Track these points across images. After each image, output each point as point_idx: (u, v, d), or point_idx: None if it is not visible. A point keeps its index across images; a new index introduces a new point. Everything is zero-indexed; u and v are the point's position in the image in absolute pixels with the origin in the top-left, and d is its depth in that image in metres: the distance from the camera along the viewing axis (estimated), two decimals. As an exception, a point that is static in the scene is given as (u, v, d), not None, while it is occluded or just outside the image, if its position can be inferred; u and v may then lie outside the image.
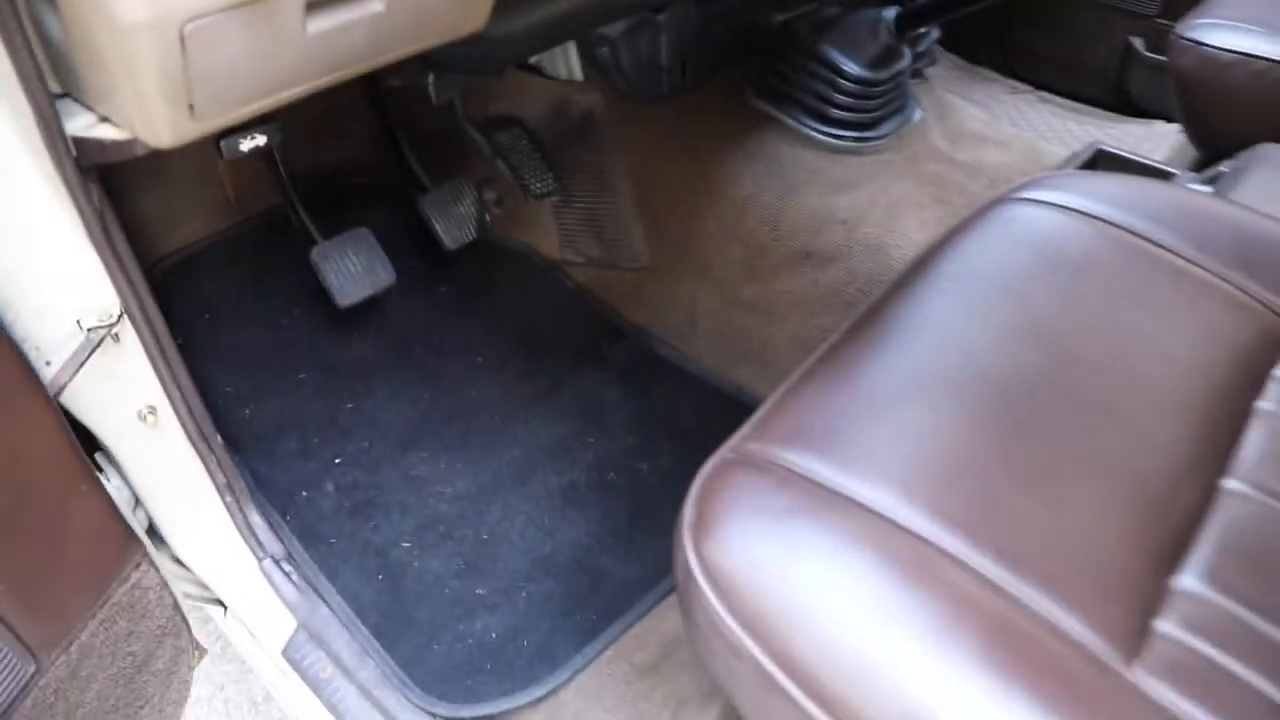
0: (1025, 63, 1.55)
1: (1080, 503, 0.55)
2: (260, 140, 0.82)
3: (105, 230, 0.64)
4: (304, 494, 1.02)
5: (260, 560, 0.90)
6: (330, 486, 1.03)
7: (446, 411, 1.11)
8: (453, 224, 1.20)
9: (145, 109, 0.57)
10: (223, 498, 0.85)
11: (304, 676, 0.89)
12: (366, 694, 0.85)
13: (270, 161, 1.12)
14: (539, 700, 0.82)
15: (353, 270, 1.08)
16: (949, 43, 1.47)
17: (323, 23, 0.60)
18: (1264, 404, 0.62)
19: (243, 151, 0.83)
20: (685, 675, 0.83)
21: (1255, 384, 0.64)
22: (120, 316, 0.70)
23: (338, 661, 0.87)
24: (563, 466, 1.06)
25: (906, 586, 0.50)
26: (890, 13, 1.21)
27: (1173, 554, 0.53)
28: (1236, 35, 1.07)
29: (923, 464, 0.56)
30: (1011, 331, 0.66)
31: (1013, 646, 0.48)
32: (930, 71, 1.42)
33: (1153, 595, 0.51)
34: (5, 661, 0.62)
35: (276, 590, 0.90)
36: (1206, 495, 0.56)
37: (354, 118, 1.28)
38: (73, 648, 0.68)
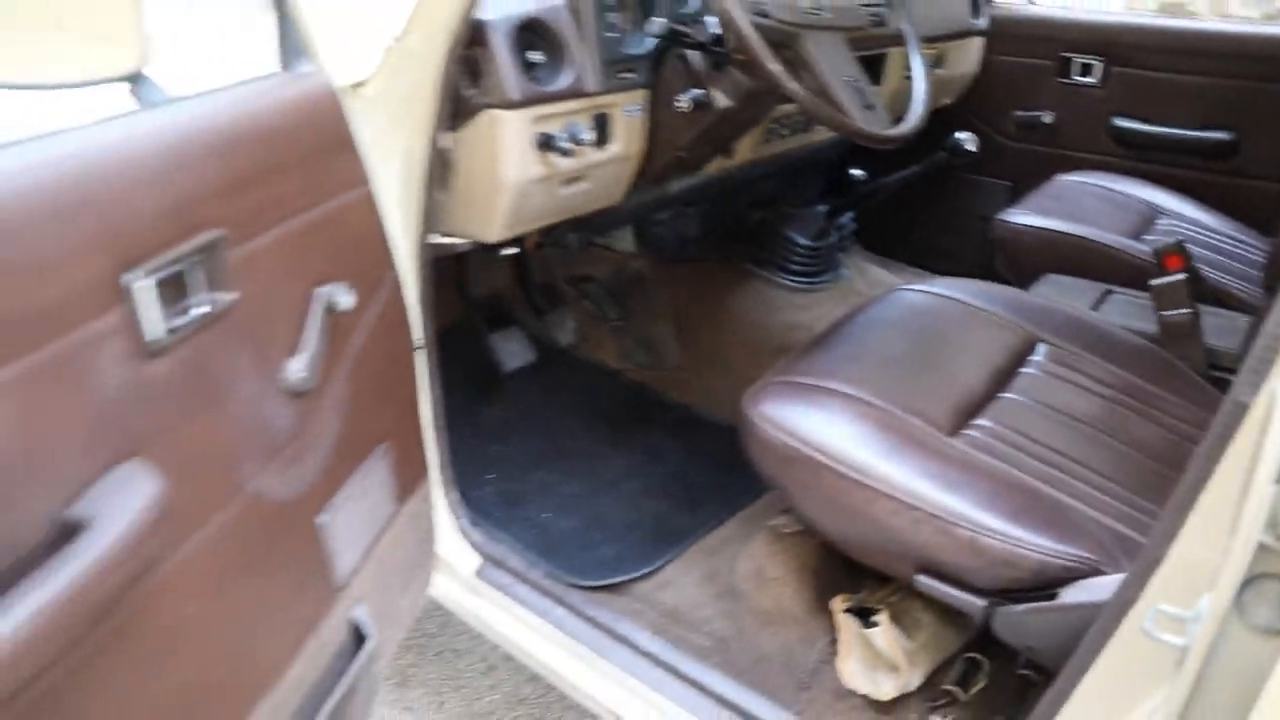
0: (914, 251, 2.33)
1: (934, 397, 1.19)
2: (512, 250, 1.48)
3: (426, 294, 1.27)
4: (473, 493, 1.58)
5: (458, 520, 1.46)
6: (489, 490, 1.61)
7: (559, 448, 1.71)
8: (558, 335, 1.88)
9: (486, 224, 1.24)
10: (442, 480, 1.41)
11: (493, 585, 1.42)
12: (535, 585, 1.37)
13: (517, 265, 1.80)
14: (647, 574, 1.39)
15: (512, 349, 1.73)
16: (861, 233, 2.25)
17: (566, 190, 1.29)
18: (1023, 368, 1.28)
19: (500, 255, 1.50)
20: (720, 558, 1.41)
21: (1020, 355, 1.30)
22: (420, 346, 1.31)
23: (514, 572, 1.40)
24: (637, 478, 1.65)
25: (861, 422, 1.12)
26: (822, 208, 1.98)
27: (974, 414, 1.17)
28: (1030, 217, 1.84)
29: (868, 377, 1.20)
30: (901, 334, 1.32)
31: (898, 436, 1.10)
32: (853, 253, 2.19)
33: (964, 422, 1.14)
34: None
35: (467, 536, 1.45)
36: (990, 398, 1.21)
37: (501, 265, 1.97)
38: None
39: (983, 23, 2.22)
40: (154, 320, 0.72)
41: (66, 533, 0.64)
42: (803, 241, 1.95)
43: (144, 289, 0.70)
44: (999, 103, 2.28)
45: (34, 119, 0.92)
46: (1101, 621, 0.74)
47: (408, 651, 1.82)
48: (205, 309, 0.77)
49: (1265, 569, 0.58)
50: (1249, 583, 0.60)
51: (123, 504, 0.67)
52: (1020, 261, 1.80)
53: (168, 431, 0.74)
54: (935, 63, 2.07)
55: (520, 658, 1.39)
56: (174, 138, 0.77)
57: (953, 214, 2.23)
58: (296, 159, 0.90)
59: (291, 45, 0.95)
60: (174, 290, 0.74)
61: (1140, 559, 0.70)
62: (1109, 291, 1.64)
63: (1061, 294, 1.61)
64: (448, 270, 1.43)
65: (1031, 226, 1.79)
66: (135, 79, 0.87)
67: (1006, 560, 0.94)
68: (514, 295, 1.95)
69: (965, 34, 2.17)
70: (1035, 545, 0.94)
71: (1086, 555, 0.92)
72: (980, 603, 0.98)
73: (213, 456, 0.80)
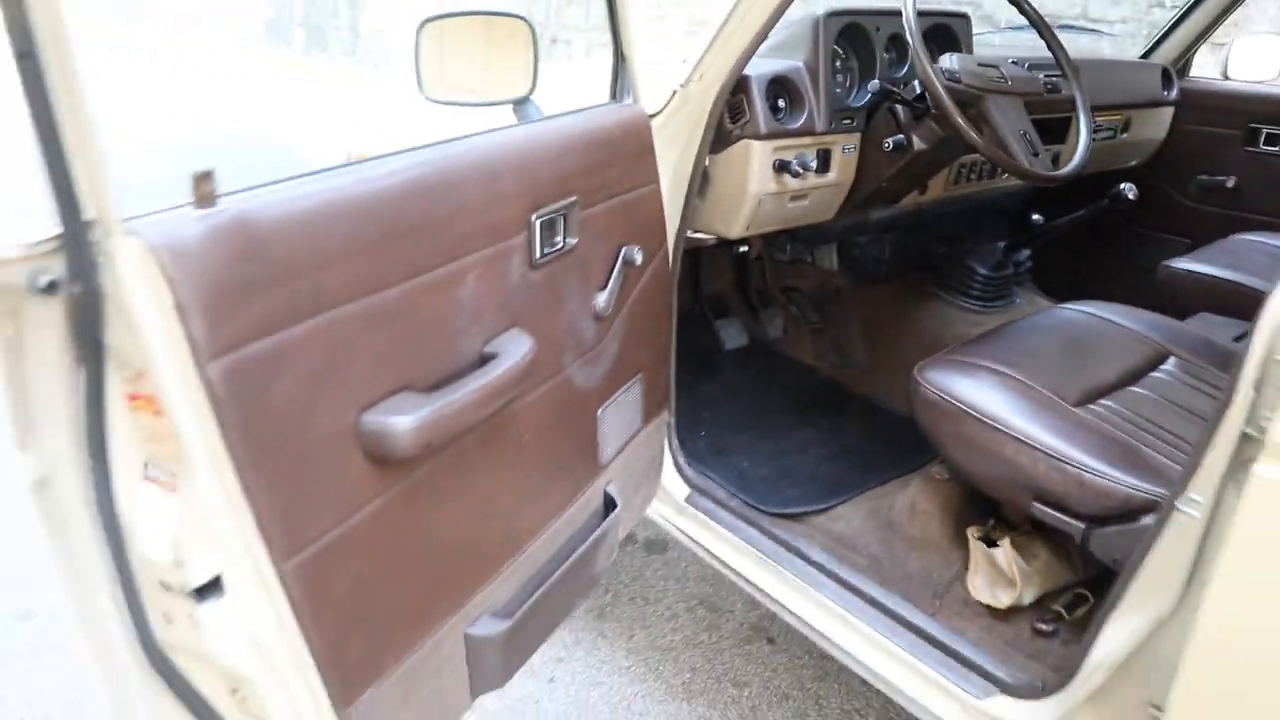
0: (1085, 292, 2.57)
1: (1068, 380, 1.50)
2: (746, 247, 1.91)
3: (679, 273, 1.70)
4: (688, 442, 1.97)
5: (675, 458, 1.87)
6: (701, 442, 2.01)
7: (759, 419, 2.11)
8: (769, 330, 2.29)
9: (731, 224, 1.67)
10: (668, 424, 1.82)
11: (698, 509, 1.81)
12: (734, 510, 1.75)
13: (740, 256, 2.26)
14: (821, 510, 1.76)
15: (731, 333, 2.17)
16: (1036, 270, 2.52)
17: (792, 204, 1.70)
18: (1153, 373, 1.57)
19: (739, 251, 1.94)
20: (882, 502, 1.75)
21: (1152, 363, 1.59)
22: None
23: (716, 500, 1.79)
24: (821, 447, 2.02)
25: (1004, 390, 1.45)
26: (1001, 244, 2.29)
27: (1100, 396, 1.47)
28: (1194, 264, 2.07)
29: (1016, 361, 1.52)
30: (1052, 336, 1.63)
31: (1032, 401, 1.42)
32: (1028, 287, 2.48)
33: (1091, 399, 1.44)
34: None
35: (681, 471, 1.84)
36: (1117, 388, 1.50)
37: (726, 269, 2.41)
38: None
39: (1173, 94, 2.46)
40: (538, 245, 1.18)
41: (486, 358, 1.10)
42: (982, 271, 2.27)
43: (538, 225, 1.17)
44: (1184, 166, 2.51)
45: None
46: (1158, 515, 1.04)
47: (606, 593, 2.24)
48: (562, 245, 1.23)
49: (1248, 454, 0.90)
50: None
51: (514, 350, 1.12)
52: (1179, 301, 2.03)
53: (535, 317, 1.20)
54: (1123, 127, 2.35)
55: (715, 565, 1.77)
56: (558, 136, 1.24)
57: (1127, 263, 2.47)
58: (621, 159, 1.36)
59: (623, 84, 1.42)
60: (549, 231, 1.20)
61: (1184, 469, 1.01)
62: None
63: (1208, 328, 1.85)
64: (686, 268, 1.83)
65: (1193, 271, 2.03)
66: (524, 101, 1.37)
67: (1101, 492, 1.25)
68: (734, 295, 2.38)
69: (1155, 104, 2.43)
70: (1125, 482, 1.24)
71: (1163, 491, 1.21)
72: (1080, 525, 1.28)
73: (554, 341, 1.26)
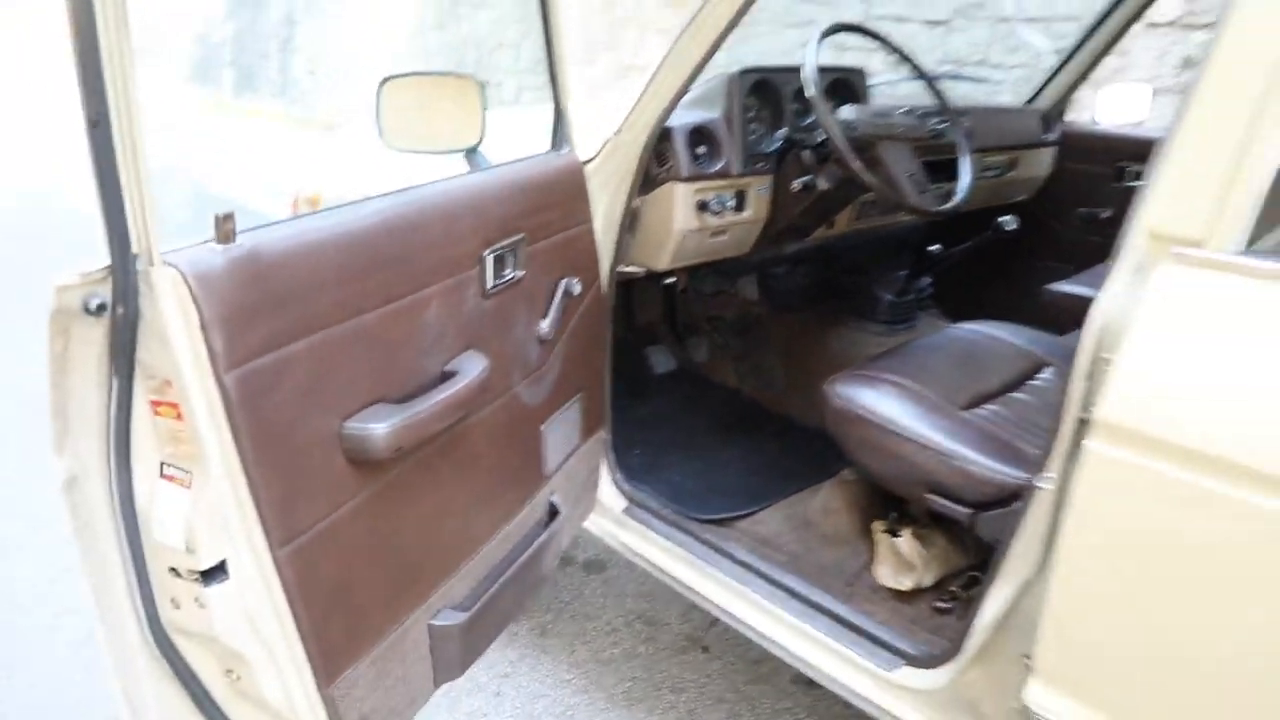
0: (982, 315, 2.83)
1: (957, 389, 1.71)
2: (673, 279, 2.09)
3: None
4: (623, 459, 2.12)
5: (613, 474, 2.02)
6: (635, 459, 2.17)
7: (688, 438, 2.28)
8: (694, 356, 2.47)
9: (658, 258, 1.85)
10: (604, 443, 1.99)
11: (635, 519, 1.96)
12: (667, 519, 1.91)
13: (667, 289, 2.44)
14: (746, 515, 1.93)
15: (659, 359, 2.34)
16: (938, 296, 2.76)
17: (712, 240, 1.89)
18: (1031, 381, 1.79)
19: (667, 283, 2.12)
20: (799, 505, 1.93)
21: (1030, 373, 1.81)
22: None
23: (651, 510, 1.95)
24: (745, 461, 2.20)
25: (901, 398, 1.65)
26: (904, 273, 2.52)
27: (984, 402, 1.68)
28: (1072, 287, 2.32)
29: (913, 374, 1.73)
30: (945, 352, 1.84)
31: (925, 407, 1.62)
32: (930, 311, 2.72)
33: (976, 404, 1.65)
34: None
35: (618, 486, 1.99)
36: (999, 395, 1.72)
37: (656, 300, 2.59)
38: None
39: (1053, 136, 2.74)
40: (490, 277, 1.34)
41: (447, 375, 1.25)
42: (887, 298, 2.49)
43: (490, 259, 1.33)
44: (1066, 200, 2.78)
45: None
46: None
47: (547, 611, 2.38)
48: (511, 277, 1.40)
49: (1084, 435, 1.09)
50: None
51: (471, 368, 1.28)
52: (1059, 319, 2.27)
53: (488, 340, 1.36)
54: (1009, 166, 2.61)
55: (652, 572, 1.93)
56: (507, 182, 1.41)
57: (1017, 287, 2.73)
58: (560, 201, 1.53)
59: (561, 134, 1.60)
60: (500, 264, 1.37)
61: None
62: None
63: (1082, 343, 2.09)
64: (619, 299, 1.99)
65: (1070, 293, 2.28)
66: (474, 149, 1.53)
67: (984, 481, 1.45)
68: (662, 324, 2.57)
69: (1037, 145, 2.70)
70: (1004, 472, 1.44)
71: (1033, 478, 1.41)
72: (968, 511, 1.48)
73: (504, 361, 1.41)
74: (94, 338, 0.84)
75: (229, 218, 0.88)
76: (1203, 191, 0.97)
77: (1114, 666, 1.08)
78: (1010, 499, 1.43)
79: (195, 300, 0.85)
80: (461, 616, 1.33)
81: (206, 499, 0.91)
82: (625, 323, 2.49)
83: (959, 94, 2.81)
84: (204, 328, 0.85)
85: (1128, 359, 1.00)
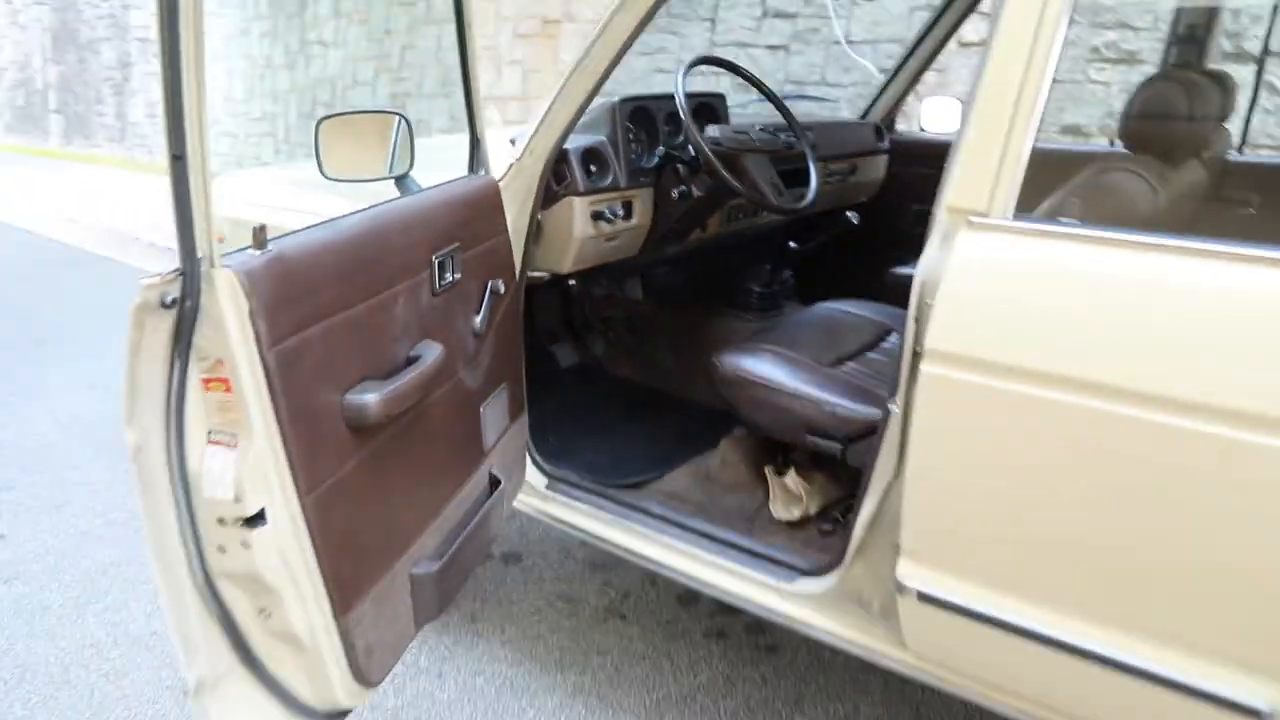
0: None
1: (824, 351, 2.07)
2: (573, 283, 2.38)
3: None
4: (540, 444, 2.40)
5: (533, 456, 2.28)
6: (550, 441, 2.43)
7: (594, 421, 2.57)
8: (594, 351, 2.76)
9: (561, 262, 2.13)
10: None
11: (557, 493, 2.22)
12: (586, 489, 2.17)
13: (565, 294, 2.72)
14: (655, 478, 2.23)
15: (564, 354, 2.62)
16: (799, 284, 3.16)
17: (606, 244, 2.19)
18: (882, 344, 2.17)
19: (570, 285, 2.42)
20: (700, 464, 2.25)
21: (879, 337, 2.18)
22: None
23: (570, 483, 2.21)
24: (647, 436, 2.50)
25: (777, 361, 1.99)
26: (769, 267, 2.90)
27: (845, 361, 2.04)
28: (907, 270, 2.75)
29: (786, 342, 2.07)
30: (813, 325, 2.21)
31: (798, 366, 1.97)
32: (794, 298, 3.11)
33: (839, 363, 2.01)
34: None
35: (539, 465, 2.24)
36: (857, 355, 2.09)
37: (558, 303, 2.86)
38: None
39: (885, 144, 3.19)
40: (438, 278, 1.60)
41: (412, 359, 1.50)
42: (756, 289, 2.86)
43: (437, 263, 1.59)
44: (902, 199, 3.22)
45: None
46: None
47: (474, 600, 2.61)
48: (452, 279, 1.66)
49: (918, 365, 1.44)
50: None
51: (430, 354, 1.54)
52: (902, 297, 2.68)
53: (439, 331, 1.62)
54: (850, 172, 3.03)
55: (574, 533, 2.18)
56: (443, 200, 1.67)
57: (866, 273, 3.14)
58: (483, 215, 1.80)
59: (478, 160, 1.87)
60: (444, 268, 1.63)
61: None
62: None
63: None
64: (528, 301, 2.24)
65: (909, 275, 2.69)
66: (404, 176, 1.79)
67: (849, 419, 1.80)
68: (562, 325, 2.85)
69: (872, 152, 3.14)
70: (864, 411, 1.80)
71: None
72: (839, 446, 1.83)
73: (452, 350, 1.67)
74: (162, 328, 1.06)
75: (263, 229, 1.12)
76: (983, 175, 1.34)
77: (957, 537, 1.43)
78: (871, 431, 1.78)
79: (245, 293, 1.08)
80: (435, 565, 1.58)
81: (251, 457, 1.13)
82: (531, 324, 2.77)
83: (803, 111, 3.24)
84: (252, 315, 1.09)
85: (942, 301, 1.36)
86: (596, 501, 2.11)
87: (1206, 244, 1.16)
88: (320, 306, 1.22)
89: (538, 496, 2.20)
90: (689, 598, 2.57)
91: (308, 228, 1.26)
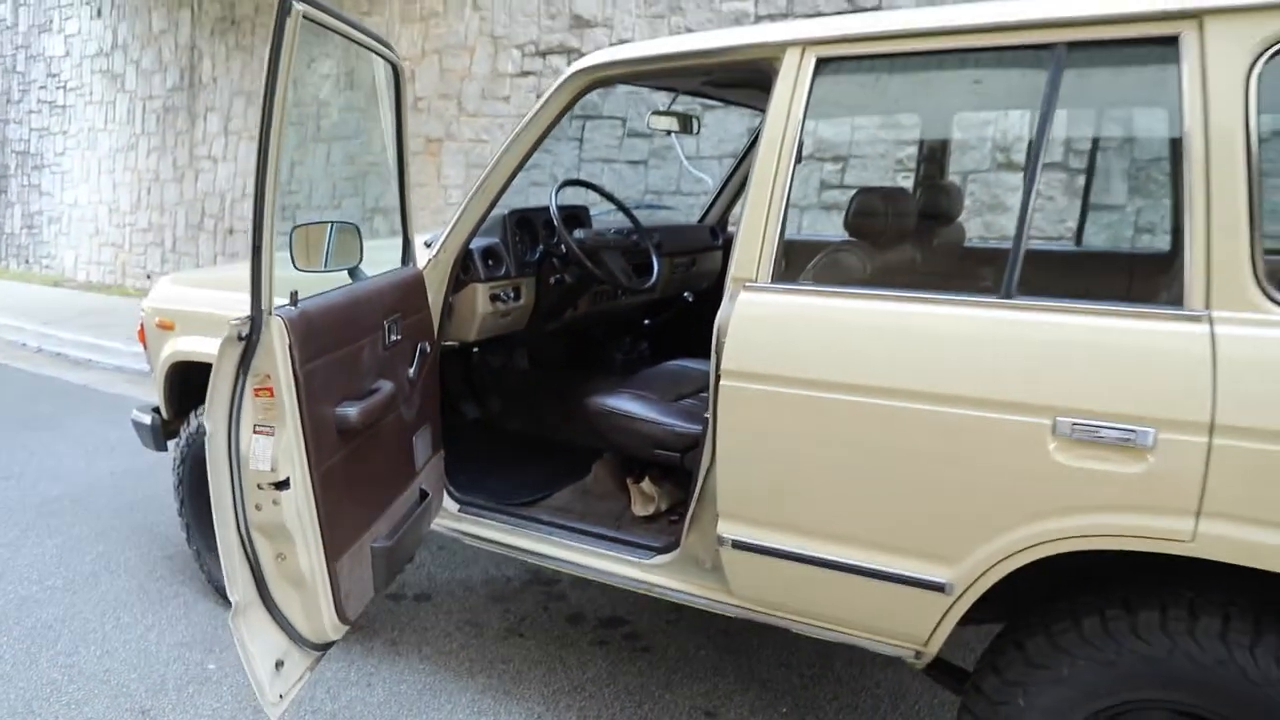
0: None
1: (670, 391, 2.79)
2: (476, 350, 3.03)
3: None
4: (452, 478, 3.00)
5: (447, 487, 2.89)
6: (462, 478, 3.04)
7: (495, 463, 3.20)
8: (490, 409, 3.41)
9: (467, 333, 2.80)
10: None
11: (468, 513, 2.81)
12: (490, 508, 2.77)
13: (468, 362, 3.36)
14: (544, 497, 2.87)
15: (469, 409, 3.26)
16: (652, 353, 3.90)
17: (502, 320, 2.88)
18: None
19: (473, 352, 3.07)
20: (579, 484, 2.92)
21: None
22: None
23: (477, 505, 2.81)
24: (540, 470, 3.14)
25: (634, 399, 2.69)
26: (629, 339, 3.65)
27: (686, 397, 2.77)
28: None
29: (643, 387, 2.78)
30: (665, 375, 2.93)
31: (650, 403, 2.68)
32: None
33: (680, 398, 2.74)
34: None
35: (452, 494, 2.86)
36: (695, 395, 2.82)
37: (463, 367, 3.50)
38: None
39: (719, 242, 4.02)
40: (387, 337, 2.26)
41: (373, 390, 2.15)
42: (619, 357, 3.60)
43: (386, 325, 2.25)
44: None
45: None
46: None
47: (392, 629, 3.13)
48: (395, 338, 2.32)
49: (719, 382, 2.17)
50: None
51: (385, 387, 2.18)
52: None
53: (389, 374, 2.26)
54: (692, 264, 3.83)
55: (483, 545, 2.77)
56: (389, 283, 2.34)
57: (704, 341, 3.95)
58: (413, 294, 2.47)
59: (409, 255, 2.55)
60: (390, 330, 2.29)
61: None
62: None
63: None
64: (442, 365, 2.88)
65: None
66: (355, 267, 2.45)
67: (683, 434, 2.51)
68: (467, 387, 3.50)
69: (708, 249, 3.96)
70: (694, 429, 2.51)
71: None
72: (678, 455, 2.53)
73: (398, 388, 2.31)
74: (233, 355, 1.69)
75: (297, 292, 1.77)
76: (752, 256, 2.10)
77: (751, 496, 2.13)
78: (699, 442, 2.50)
79: (287, 332, 1.72)
80: (388, 543, 2.18)
81: (283, 441, 1.75)
82: (443, 384, 3.40)
83: (661, 217, 4.07)
84: (290, 347, 1.73)
85: (730, 338, 2.09)
86: (499, 517, 2.73)
87: (884, 292, 1.92)
88: (325, 345, 1.86)
89: (452, 518, 2.80)
90: (576, 617, 3.11)
91: (319, 294, 1.92)
